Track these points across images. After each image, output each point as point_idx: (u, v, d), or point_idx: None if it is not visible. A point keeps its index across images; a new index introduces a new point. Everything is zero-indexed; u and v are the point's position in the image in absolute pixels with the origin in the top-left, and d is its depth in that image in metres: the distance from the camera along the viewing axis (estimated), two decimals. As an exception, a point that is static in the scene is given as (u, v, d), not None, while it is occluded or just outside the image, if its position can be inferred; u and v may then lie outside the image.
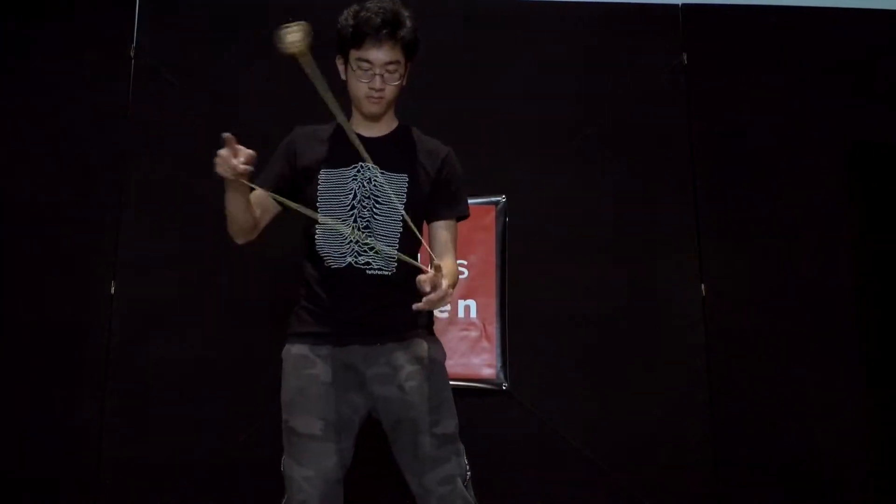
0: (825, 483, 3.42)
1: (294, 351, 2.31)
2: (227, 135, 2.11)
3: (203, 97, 3.64)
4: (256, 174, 2.27)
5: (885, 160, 3.68)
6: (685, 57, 3.75)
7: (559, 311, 3.51)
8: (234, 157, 2.10)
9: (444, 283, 2.04)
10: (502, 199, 3.54)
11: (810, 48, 3.79)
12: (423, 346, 2.33)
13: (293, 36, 1.98)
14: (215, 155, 2.14)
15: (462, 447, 2.29)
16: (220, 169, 2.11)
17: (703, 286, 3.56)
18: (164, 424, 3.37)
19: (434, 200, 2.37)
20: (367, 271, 2.28)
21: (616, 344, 3.50)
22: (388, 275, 2.30)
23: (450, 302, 2.14)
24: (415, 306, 2.06)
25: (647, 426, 3.43)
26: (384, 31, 2.23)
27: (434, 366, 2.32)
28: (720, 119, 3.73)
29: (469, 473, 2.28)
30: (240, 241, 2.38)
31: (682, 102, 3.72)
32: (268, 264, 3.49)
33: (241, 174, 2.11)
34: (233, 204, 2.24)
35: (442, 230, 2.38)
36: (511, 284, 3.50)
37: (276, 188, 2.32)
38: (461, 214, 2.44)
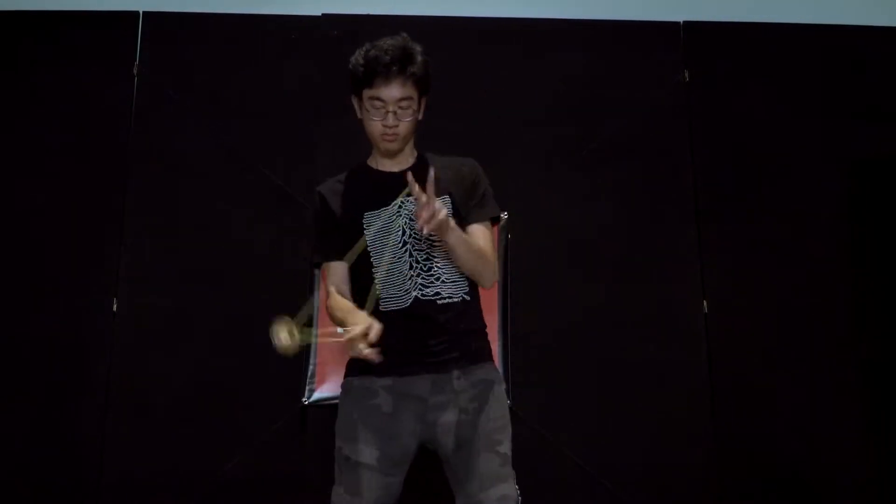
0: (828, 499, 3.41)
1: (356, 383, 2.31)
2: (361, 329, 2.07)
3: (206, 114, 3.65)
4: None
5: (885, 176, 3.69)
6: (687, 74, 3.75)
7: (562, 329, 3.50)
8: (365, 339, 2.05)
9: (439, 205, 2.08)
10: (504, 216, 3.54)
11: (811, 65, 3.80)
12: (483, 370, 2.33)
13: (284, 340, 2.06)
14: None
15: (514, 473, 2.28)
16: (356, 353, 2.07)
17: (705, 302, 3.55)
18: (166, 440, 3.36)
19: (466, 206, 2.35)
20: (438, 301, 2.28)
21: (619, 361, 3.49)
22: (458, 301, 2.30)
23: (439, 224, 2.10)
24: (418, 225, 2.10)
25: (652, 444, 3.41)
26: (394, 69, 2.23)
27: (496, 389, 2.32)
28: (722, 135, 3.73)
29: (521, 499, 2.27)
30: None
31: (684, 119, 3.73)
32: (271, 281, 3.50)
33: (373, 359, 2.07)
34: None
35: (477, 231, 2.36)
36: (513, 302, 3.49)
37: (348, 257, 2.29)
38: (494, 214, 2.44)
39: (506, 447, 2.27)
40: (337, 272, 2.34)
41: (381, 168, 2.40)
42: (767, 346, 3.53)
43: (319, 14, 3.73)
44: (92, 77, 3.67)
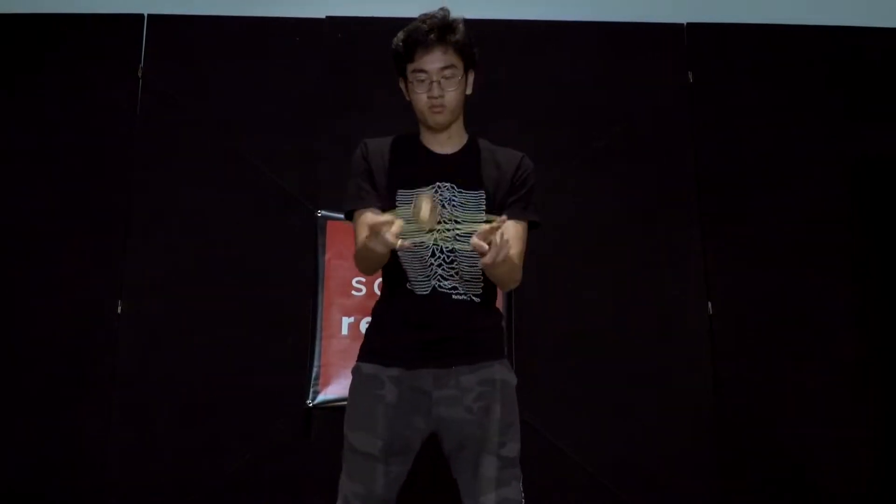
0: (832, 502, 3.40)
1: (364, 370, 2.28)
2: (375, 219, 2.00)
3: (210, 117, 3.66)
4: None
5: (889, 177, 3.69)
6: (690, 75, 3.76)
7: (566, 331, 3.50)
8: (387, 231, 1.98)
9: (499, 236, 1.97)
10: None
11: (814, 66, 3.80)
12: (493, 369, 2.28)
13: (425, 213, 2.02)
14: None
15: (520, 473, 2.25)
16: (379, 246, 2.00)
17: (709, 304, 3.55)
18: (171, 442, 3.38)
19: (505, 200, 2.28)
20: (454, 296, 2.25)
21: (623, 363, 3.49)
22: (468, 301, 2.27)
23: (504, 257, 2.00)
24: (482, 262, 2.01)
25: (656, 446, 3.41)
26: (432, 37, 2.22)
27: (504, 389, 2.29)
28: (725, 137, 3.73)
29: (524, 502, 2.24)
30: (371, 274, 2.35)
31: (688, 120, 3.73)
32: (276, 283, 3.50)
33: (394, 244, 2.01)
34: (378, 255, 2.12)
35: (511, 229, 2.23)
36: (518, 305, 3.49)
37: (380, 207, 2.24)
38: (531, 219, 2.34)
39: (509, 449, 2.23)
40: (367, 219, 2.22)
41: (429, 146, 2.35)
42: (772, 347, 3.53)
43: (324, 17, 3.74)
44: (97, 79, 3.68)
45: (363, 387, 2.27)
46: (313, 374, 3.39)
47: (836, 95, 3.77)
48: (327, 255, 3.48)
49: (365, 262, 2.26)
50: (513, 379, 2.34)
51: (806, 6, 3.88)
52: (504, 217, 2.05)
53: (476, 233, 1.99)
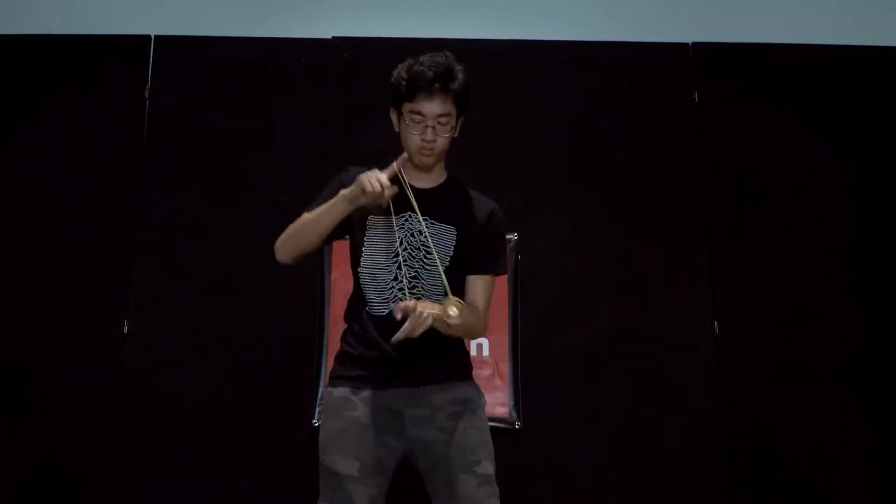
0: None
1: (336, 393, 2.33)
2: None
3: (216, 136, 3.67)
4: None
5: (894, 196, 3.68)
6: (696, 94, 3.76)
7: (572, 350, 3.50)
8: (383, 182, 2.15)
9: (420, 310, 2.07)
10: (514, 236, 3.54)
11: (820, 85, 3.80)
12: (463, 389, 2.33)
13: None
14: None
15: (497, 491, 2.26)
16: (371, 189, 2.14)
17: (715, 323, 3.54)
18: (178, 462, 3.37)
19: (475, 254, 2.36)
20: None
21: (629, 381, 3.49)
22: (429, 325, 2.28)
23: (428, 325, 2.11)
24: (393, 339, 2.12)
25: (662, 465, 3.40)
26: (436, 85, 2.25)
27: (475, 408, 2.32)
28: (731, 156, 3.73)
29: None
30: (287, 259, 2.37)
31: (694, 140, 3.73)
32: (282, 303, 3.50)
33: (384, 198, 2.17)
34: (328, 218, 2.25)
35: (477, 285, 2.36)
36: (523, 323, 3.49)
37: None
38: (499, 271, 2.42)
39: (484, 467, 2.25)
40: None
41: (408, 179, 2.38)
42: (778, 367, 3.51)
43: (329, 37, 3.76)
44: (104, 100, 3.71)
45: (336, 410, 2.30)
46: (319, 394, 3.38)
47: (842, 115, 3.77)
48: (333, 275, 3.48)
49: (300, 237, 2.31)
50: (482, 399, 2.37)
51: (812, 26, 3.90)
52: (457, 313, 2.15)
53: (401, 304, 2.10)
